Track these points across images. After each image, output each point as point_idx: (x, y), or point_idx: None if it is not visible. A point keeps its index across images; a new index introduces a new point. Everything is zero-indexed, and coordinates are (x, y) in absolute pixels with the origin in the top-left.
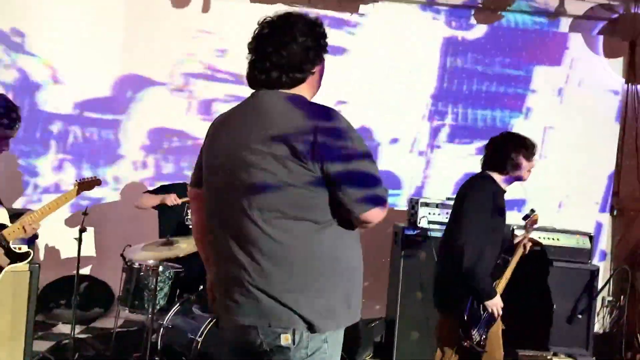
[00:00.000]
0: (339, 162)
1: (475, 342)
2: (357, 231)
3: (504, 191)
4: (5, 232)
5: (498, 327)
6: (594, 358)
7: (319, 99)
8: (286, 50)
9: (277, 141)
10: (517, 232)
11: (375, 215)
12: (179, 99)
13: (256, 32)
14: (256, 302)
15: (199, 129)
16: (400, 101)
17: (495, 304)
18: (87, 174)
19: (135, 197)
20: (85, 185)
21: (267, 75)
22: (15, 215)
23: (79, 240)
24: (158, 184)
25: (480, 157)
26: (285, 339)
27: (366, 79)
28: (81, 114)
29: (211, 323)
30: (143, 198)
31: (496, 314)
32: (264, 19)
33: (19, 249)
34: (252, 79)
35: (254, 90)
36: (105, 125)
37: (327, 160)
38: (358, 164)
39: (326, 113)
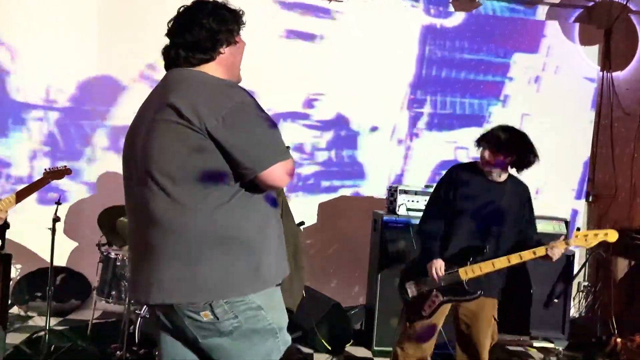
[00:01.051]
0: (229, 124)
1: (410, 296)
2: (262, 200)
3: (481, 170)
4: None
5: (488, 311)
6: (569, 341)
7: (297, 85)
8: (190, 33)
9: (167, 106)
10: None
11: (278, 170)
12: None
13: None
14: (167, 279)
15: None
16: (379, 90)
17: (432, 266)
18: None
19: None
20: (54, 174)
21: (176, 54)
22: None
23: (53, 230)
24: None
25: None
26: (205, 316)
27: (344, 67)
28: (54, 104)
29: None
30: None
31: (430, 274)
32: (180, 7)
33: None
34: (165, 60)
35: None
36: (80, 116)
37: (213, 122)
38: (250, 125)
39: (224, 84)
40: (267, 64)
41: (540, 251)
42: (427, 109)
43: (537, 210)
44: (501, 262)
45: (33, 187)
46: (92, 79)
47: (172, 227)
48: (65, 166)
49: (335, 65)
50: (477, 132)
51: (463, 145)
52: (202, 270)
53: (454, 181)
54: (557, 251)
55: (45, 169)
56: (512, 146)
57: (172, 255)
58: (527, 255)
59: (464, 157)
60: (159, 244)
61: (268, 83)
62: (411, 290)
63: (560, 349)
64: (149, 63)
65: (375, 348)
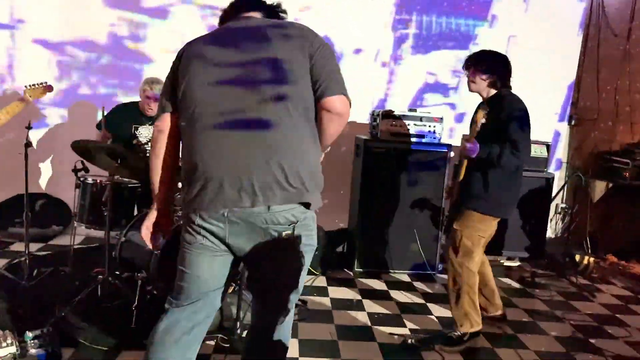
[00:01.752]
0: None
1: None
2: None
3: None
4: None
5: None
6: (544, 261)
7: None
8: None
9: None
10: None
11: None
12: None
13: None
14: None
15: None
16: (364, 9)
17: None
18: None
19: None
20: (36, 91)
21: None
22: None
23: (25, 155)
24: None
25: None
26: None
27: None
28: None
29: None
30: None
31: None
32: None
33: None
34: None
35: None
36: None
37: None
38: (335, 60)
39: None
40: None
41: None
42: (412, 30)
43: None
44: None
45: (15, 107)
46: None
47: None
48: (45, 82)
49: None
50: (462, 54)
51: (446, 69)
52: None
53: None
54: None
55: (25, 86)
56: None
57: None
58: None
59: (449, 80)
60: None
61: None
62: None
63: (536, 270)
64: None
65: (357, 269)
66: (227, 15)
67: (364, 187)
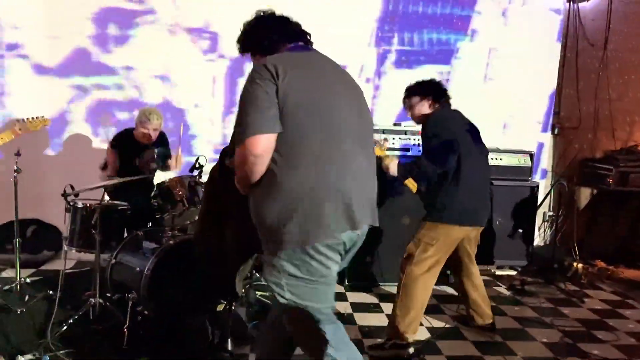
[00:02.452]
0: None
1: None
2: None
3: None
4: None
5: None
6: (533, 269)
7: None
8: None
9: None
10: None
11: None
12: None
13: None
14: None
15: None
16: (346, 27)
17: None
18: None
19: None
20: (33, 124)
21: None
22: None
23: (15, 182)
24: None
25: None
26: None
27: (310, 5)
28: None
29: (156, 259)
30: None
31: None
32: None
33: None
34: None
35: (300, 45)
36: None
37: None
38: None
39: None
40: (227, 2)
41: None
42: (394, 46)
43: (504, 144)
44: None
45: (5, 137)
46: None
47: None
48: (43, 116)
49: (300, 3)
50: (445, 69)
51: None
52: None
53: None
54: None
55: (22, 120)
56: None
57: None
58: None
59: None
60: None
61: (228, 24)
62: None
63: (525, 278)
64: None
65: (347, 283)
66: (282, 36)
67: None
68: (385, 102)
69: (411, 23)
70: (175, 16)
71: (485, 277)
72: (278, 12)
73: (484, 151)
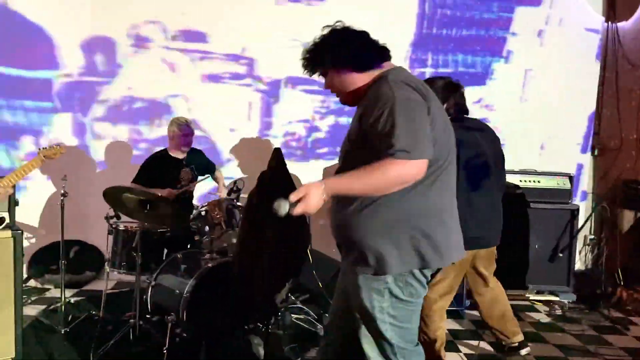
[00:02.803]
0: None
1: None
2: None
3: None
4: None
5: None
6: (575, 294)
7: (296, 49)
8: None
9: None
10: None
11: None
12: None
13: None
14: None
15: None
16: None
17: None
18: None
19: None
20: (50, 151)
21: None
22: None
23: (61, 205)
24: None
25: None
26: None
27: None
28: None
29: (195, 282)
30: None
31: None
32: None
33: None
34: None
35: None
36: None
37: None
38: None
39: None
40: (262, 28)
41: None
42: (429, 69)
43: (542, 166)
44: None
45: (30, 167)
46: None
47: None
48: (60, 144)
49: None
50: (480, 91)
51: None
52: None
53: None
54: None
55: (39, 148)
56: None
57: None
58: None
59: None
60: None
61: (265, 49)
62: None
63: (566, 302)
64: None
65: None
66: (379, 55)
67: None
68: None
69: (445, 45)
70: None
71: (523, 302)
72: (310, 39)
73: (491, 167)
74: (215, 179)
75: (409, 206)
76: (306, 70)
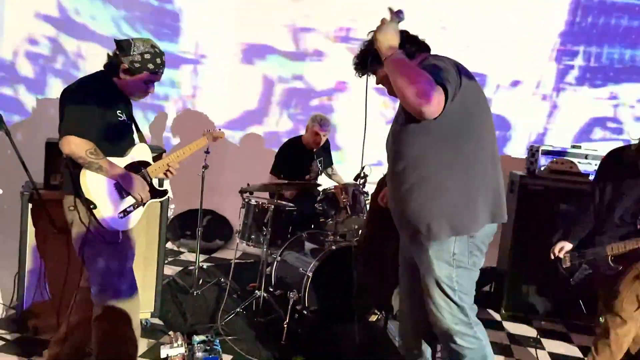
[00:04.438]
0: None
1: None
2: None
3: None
4: (149, 169)
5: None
6: None
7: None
8: None
9: None
10: None
11: None
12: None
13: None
14: None
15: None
16: (524, 40)
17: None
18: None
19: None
20: (213, 136)
21: None
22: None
23: (202, 177)
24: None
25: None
26: None
27: (487, 15)
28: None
29: (318, 263)
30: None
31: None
32: None
33: (160, 186)
34: None
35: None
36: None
37: None
38: None
39: None
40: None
41: None
42: (578, 62)
43: None
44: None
45: (195, 146)
46: None
47: None
48: (220, 130)
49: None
50: (634, 87)
51: (623, 102)
52: None
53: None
54: None
55: (205, 130)
56: None
57: None
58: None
59: (626, 115)
60: None
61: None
62: (566, 261)
63: None
64: None
65: (504, 312)
66: (418, 47)
67: (517, 225)
68: (563, 121)
69: (600, 37)
70: None
71: None
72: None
73: None
74: (329, 175)
75: (473, 175)
76: (357, 73)
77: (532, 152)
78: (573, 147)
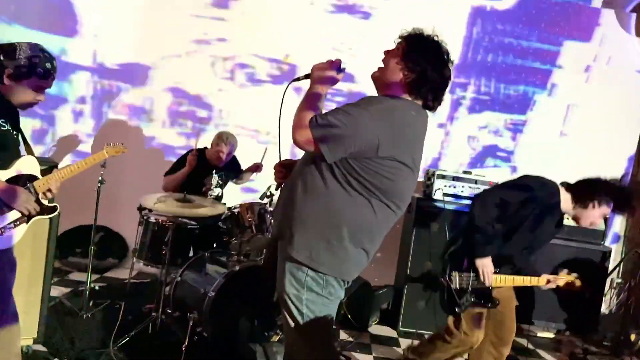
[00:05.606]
0: None
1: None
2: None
3: (560, 211)
4: (36, 183)
5: (512, 301)
6: (598, 337)
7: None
8: None
9: None
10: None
11: None
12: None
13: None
14: None
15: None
16: None
17: (484, 265)
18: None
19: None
20: (114, 149)
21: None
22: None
23: (98, 192)
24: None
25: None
26: None
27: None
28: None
29: (222, 282)
30: (168, 183)
31: (482, 276)
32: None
33: (48, 202)
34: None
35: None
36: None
37: None
38: None
39: None
40: (311, 37)
41: (542, 281)
42: (469, 93)
43: None
44: (515, 281)
45: (92, 161)
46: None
47: None
48: (122, 144)
49: (377, 44)
50: (519, 118)
51: (501, 132)
52: None
53: (542, 207)
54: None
55: (106, 144)
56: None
57: None
58: (529, 281)
59: (504, 143)
60: None
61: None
62: (456, 282)
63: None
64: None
65: (401, 328)
66: (432, 95)
67: (414, 245)
68: (456, 148)
69: (488, 72)
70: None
71: (546, 337)
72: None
73: None
74: (239, 179)
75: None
76: (399, 39)
77: (429, 176)
78: (465, 172)
